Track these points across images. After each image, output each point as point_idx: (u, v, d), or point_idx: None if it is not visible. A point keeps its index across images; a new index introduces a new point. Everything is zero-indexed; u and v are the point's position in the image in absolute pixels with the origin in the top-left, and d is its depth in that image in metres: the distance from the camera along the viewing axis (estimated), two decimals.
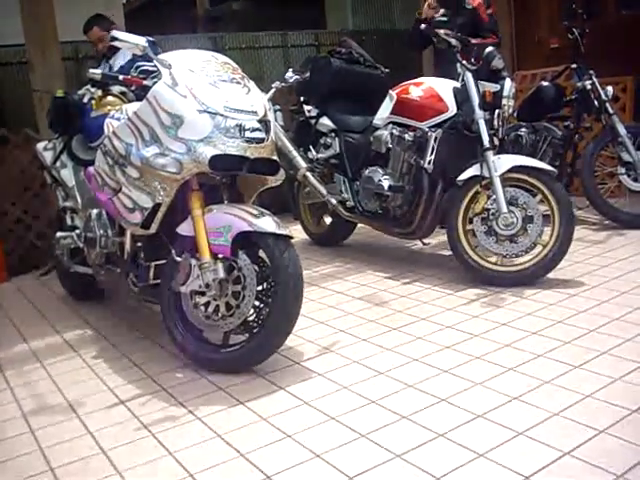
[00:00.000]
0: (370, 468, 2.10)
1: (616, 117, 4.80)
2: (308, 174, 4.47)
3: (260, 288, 2.89)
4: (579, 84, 4.93)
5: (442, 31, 4.17)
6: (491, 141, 3.81)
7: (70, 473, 2.28)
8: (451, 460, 2.10)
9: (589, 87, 4.85)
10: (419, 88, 4.25)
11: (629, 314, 3.16)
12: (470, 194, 3.88)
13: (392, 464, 2.12)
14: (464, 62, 3.98)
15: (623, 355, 2.72)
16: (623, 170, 4.83)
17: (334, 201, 4.51)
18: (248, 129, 2.81)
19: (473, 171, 3.82)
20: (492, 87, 3.98)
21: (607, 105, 4.79)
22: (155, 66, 2.97)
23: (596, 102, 4.82)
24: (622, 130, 4.75)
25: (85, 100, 3.86)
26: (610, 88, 4.88)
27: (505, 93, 3.96)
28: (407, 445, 2.21)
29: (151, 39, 2.96)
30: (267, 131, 2.91)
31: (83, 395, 2.88)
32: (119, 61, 4.81)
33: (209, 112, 2.76)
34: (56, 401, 2.86)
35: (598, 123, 5.04)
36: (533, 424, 2.26)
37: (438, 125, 4.06)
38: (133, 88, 3.39)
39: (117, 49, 4.69)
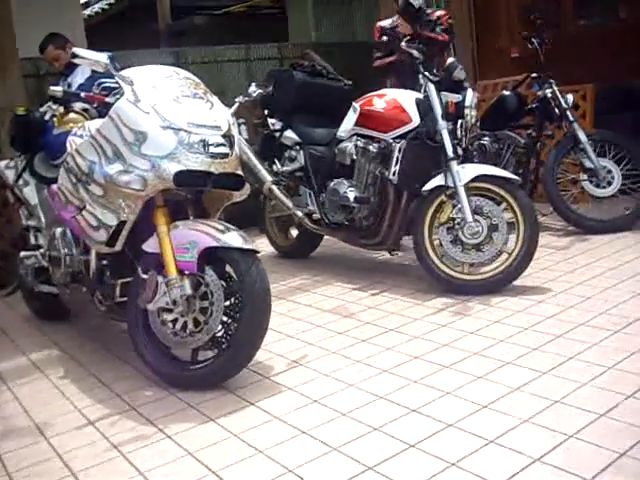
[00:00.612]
0: None
1: (577, 124, 4.88)
2: (273, 187, 4.46)
3: (228, 303, 2.87)
4: (540, 93, 5.01)
5: (404, 43, 4.20)
6: (455, 151, 3.85)
7: None
8: (424, 470, 2.10)
9: (550, 95, 4.93)
10: (382, 100, 4.28)
11: (595, 319, 3.20)
12: (435, 204, 3.90)
13: (364, 476, 2.11)
14: (426, 73, 4.01)
15: (590, 360, 2.75)
16: (585, 177, 4.89)
17: (300, 214, 4.51)
18: (212, 144, 2.80)
19: (438, 181, 3.84)
20: (454, 97, 4.03)
21: (568, 113, 4.87)
22: (117, 82, 2.95)
23: (557, 110, 4.90)
24: (583, 137, 4.82)
25: (47, 117, 3.82)
26: (570, 96, 4.96)
27: (467, 103, 4.01)
28: (379, 457, 2.20)
29: (110, 54, 2.94)
30: (231, 146, 2.90)
31: (51, 416, 2.83)
32: (77, 79, 4.76)
33: (172, 128, 2.75)
34: (24, 424, 2.81)
35: (560, 131, 5.11)
36: (503, 431, 2.27)
37: (402, 136, 4.09)
38: (95, 105, 3.36)
39: (75, 67, 4.65)
